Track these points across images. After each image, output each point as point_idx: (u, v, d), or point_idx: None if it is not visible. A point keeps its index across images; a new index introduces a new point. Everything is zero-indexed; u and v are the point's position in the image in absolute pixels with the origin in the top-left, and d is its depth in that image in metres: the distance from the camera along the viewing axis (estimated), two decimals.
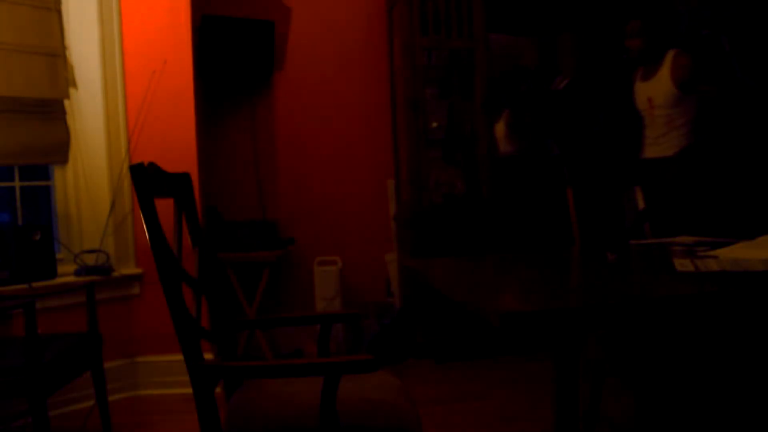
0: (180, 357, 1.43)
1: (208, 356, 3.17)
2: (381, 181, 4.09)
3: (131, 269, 3.25)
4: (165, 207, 1.60)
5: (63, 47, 3.12)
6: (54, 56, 3.08)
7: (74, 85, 3.17)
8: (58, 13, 3.10)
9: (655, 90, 3.26)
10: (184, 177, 1.70)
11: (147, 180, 1.41)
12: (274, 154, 4.03)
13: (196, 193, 2.83)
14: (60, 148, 3.15)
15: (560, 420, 1.97)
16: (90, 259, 3.14)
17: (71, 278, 3.04)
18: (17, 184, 3.16)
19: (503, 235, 3.61)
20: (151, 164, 1.48)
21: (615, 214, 3.01)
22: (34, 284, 2.89)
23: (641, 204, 2.56)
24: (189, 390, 1.42)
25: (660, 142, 3.31)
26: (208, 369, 1.41)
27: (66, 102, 3.17)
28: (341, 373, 1.35)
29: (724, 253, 1.60)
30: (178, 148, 3.28)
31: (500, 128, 3.80)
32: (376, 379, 1.69)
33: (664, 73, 3.22)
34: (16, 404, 2.72)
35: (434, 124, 3.83)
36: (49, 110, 3.11)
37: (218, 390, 2.61)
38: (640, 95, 3.37)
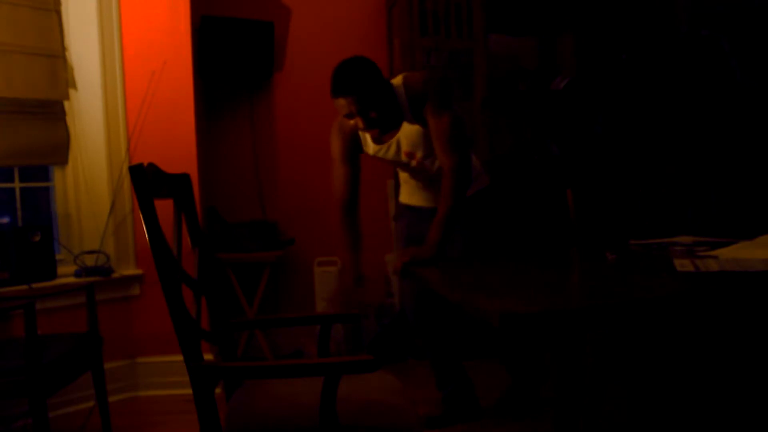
0: (180, 357, 1.43)
1: (208, 357, 3.17)
2: (381, 181, 4.08)
3: (131, 270, 3.25)
4: (165, 207, 1.60)
5: (63, 48, 3.12)
6: (54, 57, 3.08)
7: (74, 86, 3.17)
8: (58, 14, 3.10)
9: (408, 143, 2.39)
10: (184, 177, 1.70)
11: (146, 181, 1.41)
12: (274, 154, 4.03)
13: (196, 193, 2.83)
14: (60, 149, 3.15)
15: (560, 420, 1.97)
16: (90, 260, 3.14)
17: (71, 279, 3.04)
18: (17, 185, 3.16)
19: (502, 236, 3.61)
20: (151, 165, 1.48)
21: (617, 213, 2.99)
22: (34, 285, 2.89)
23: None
24: (189, 390, 1.42)
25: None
26: (207, 369, 1.41)
27: (66, 103, 3.16)
28: (341, 374, 1.35)
29: (724, 253, 1.60)
30: (178, 148, 3.28)
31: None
32: (376, 380, 1.69)
33: (405, 125, 2.37)
34: (16, 405, 2.72)
35: None
36: (48, 111, 3.11)
37: (218, 390, 2.61)
38: (394, 156, 2.46)
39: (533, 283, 1.56)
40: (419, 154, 2.40)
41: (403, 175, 2.69)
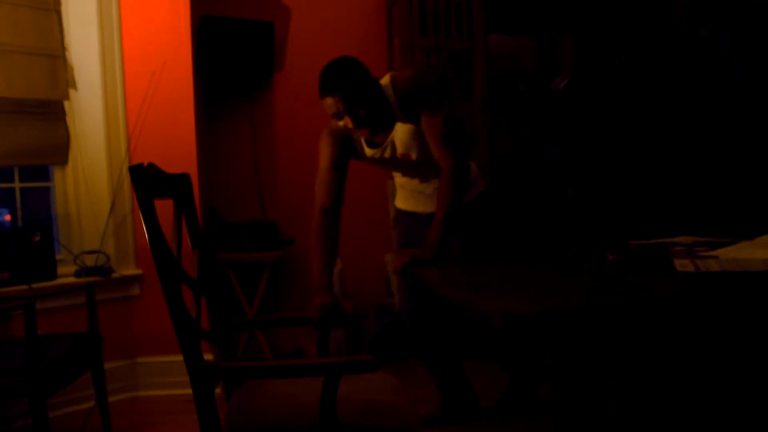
0: (180, 357, 1.43)
1: (208, 357, 3.17)
2: (381, 181, 4.08)
3: (131, 270, 3.25)
4: (165, 207, 1.60)
5: (63, 48, 3.12)
6: (54, 57, 3.08)
7: (74, 86, 3.17)
8: (58, 14, 3.10)
9: (401, 144, 2.33)
10: (184, 177, 1.70)
11: (146, 181, 1.41)
12: (274, 154, 4.03)
13: (196, 193, 2.83)
14: (60, 149, 3.14)
15: (560, 420, 1.97)
16: (90, 260, 3.14)
17: (71, 279, 3.04)
18: (17, 185, 3.16)
19: (502, 236, 3.61)
20: (151, 165, 1.48)
21: (617, 213, 2.98)
22: (34, 285, 2.89)
23: None
24: (189, 391, 1.42)
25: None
26: (207, 369, 1.41)
27: (66, 103, 3.16)
28: (341, 374, 1.35)
29: (724, 253, 1.60)
30: (178, 148, 3.28)
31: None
32: (376, 380, 1.69)
33: (398, 126, 2.32)
34: (16, 405, 2.72)
35: None
36: (48, 111, 3.11)
37: (218, 390, 2.61)
38: (391, 158, 2.39)
39: (533, 283, 1.56)
40: (414, 156, 2.35)
41: (399, 180, 2.65)
